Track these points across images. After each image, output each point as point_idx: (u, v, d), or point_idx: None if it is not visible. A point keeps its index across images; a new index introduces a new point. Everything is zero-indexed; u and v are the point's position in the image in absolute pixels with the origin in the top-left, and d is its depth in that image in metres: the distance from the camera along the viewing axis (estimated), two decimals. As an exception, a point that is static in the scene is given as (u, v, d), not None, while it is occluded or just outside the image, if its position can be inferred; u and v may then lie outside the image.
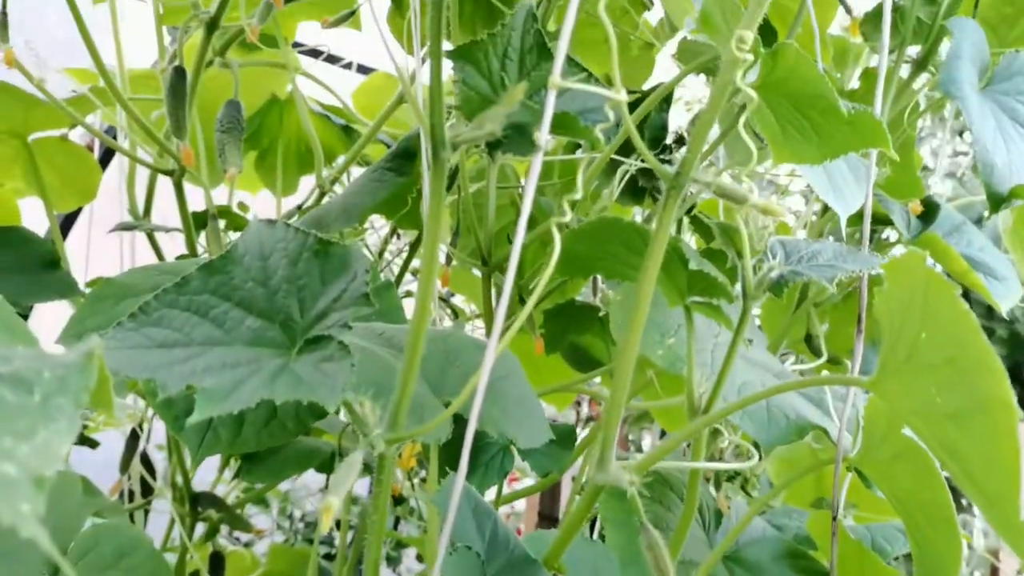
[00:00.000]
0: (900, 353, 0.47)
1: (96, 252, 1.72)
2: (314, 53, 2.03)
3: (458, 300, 1.77)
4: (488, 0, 1.16)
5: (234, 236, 1.33)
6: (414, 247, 1.21)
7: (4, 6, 0.96)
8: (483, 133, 0.50)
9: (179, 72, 1.04)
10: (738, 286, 0.58)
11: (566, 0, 1.10)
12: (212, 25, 1.07)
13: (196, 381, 0.47)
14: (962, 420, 0.43)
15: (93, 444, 1.44)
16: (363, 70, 1.90)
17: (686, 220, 1.29)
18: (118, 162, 1.57)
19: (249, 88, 1.43)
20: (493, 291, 1.17)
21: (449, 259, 1.13)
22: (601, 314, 1.31)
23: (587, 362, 1.49)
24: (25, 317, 0.98)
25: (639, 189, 1.28)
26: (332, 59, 2.21)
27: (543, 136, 0.48)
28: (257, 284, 0.53)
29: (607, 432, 0.54)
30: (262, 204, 1.70)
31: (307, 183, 1.70)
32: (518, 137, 0.50)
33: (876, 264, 0.58)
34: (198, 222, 1.28)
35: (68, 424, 0.31)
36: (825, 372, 0.83)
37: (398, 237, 1.39)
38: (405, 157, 1.08)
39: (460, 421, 0.65)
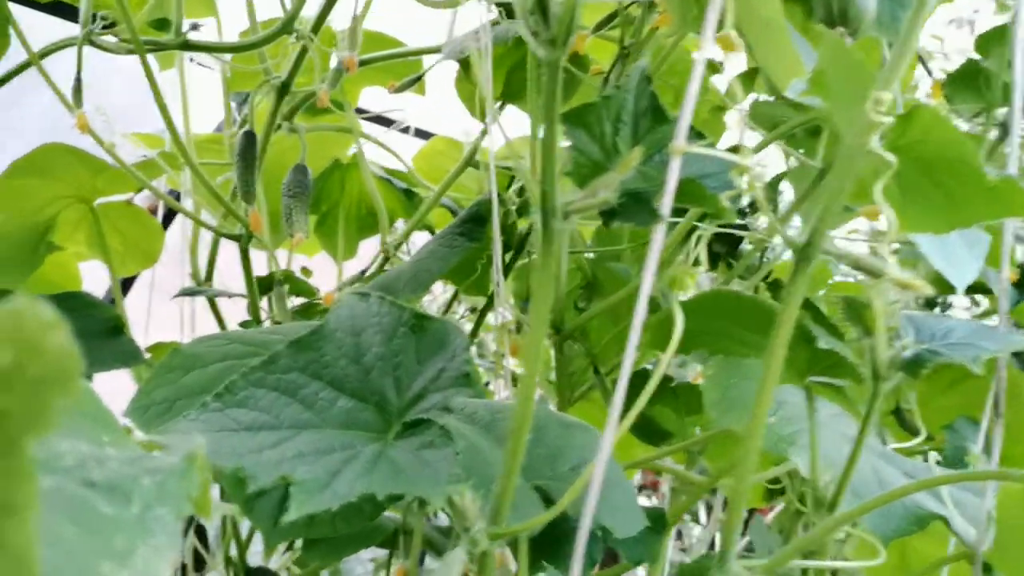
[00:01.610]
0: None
1: (155, 315, 1.70)
2: (374, 118, 2.04)
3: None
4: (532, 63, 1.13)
5: (296, 302, 1.31)
6: (482, 313, 1.17)
7: (78, 71, 0.96)
8: (597, 201, 0.46)
9: (249, 137, 1.03)
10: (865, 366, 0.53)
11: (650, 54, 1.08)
12: (283, 90, 1.06)
13: (288, 470, 0.43)
14: None
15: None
16: (421, 134, 1.90)
17: (763, 286, 1.23)
18: (179, 225, 1.56)
19: (310, 152, 1.43)
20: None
21: (519, 327, 1.09)
22: (673, 384, 1.26)
23: (655, 433, 1.42)
24: (87, 385, 0.95)
25: (713, 255, 1.24)
26: (389, 123, 2.21)
27: (667, 205, 0.44)
28: (350, 362, 0.49)
29: (729, 530, 0.49)
30: (320, 267, 1.68)
31: (365, 247, 1.68)
32: (635, 206, 0.46)
33: (1020, 343, 0.53)
34: (261, 286, 1.26)
35: (168, 539, 0.27)
36: (932, 454, 0.77)
37: (459, 302, 1.36)
38: (476, 222, 1.06)
39: (548, 503, 0.60)
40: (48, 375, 0.20)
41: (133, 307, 2.05)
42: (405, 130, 1.97)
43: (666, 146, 0.46)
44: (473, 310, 1.48)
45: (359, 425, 0.47)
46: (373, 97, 1.76)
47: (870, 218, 0.52)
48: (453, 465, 0.44)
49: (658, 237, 0.45)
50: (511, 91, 1.25)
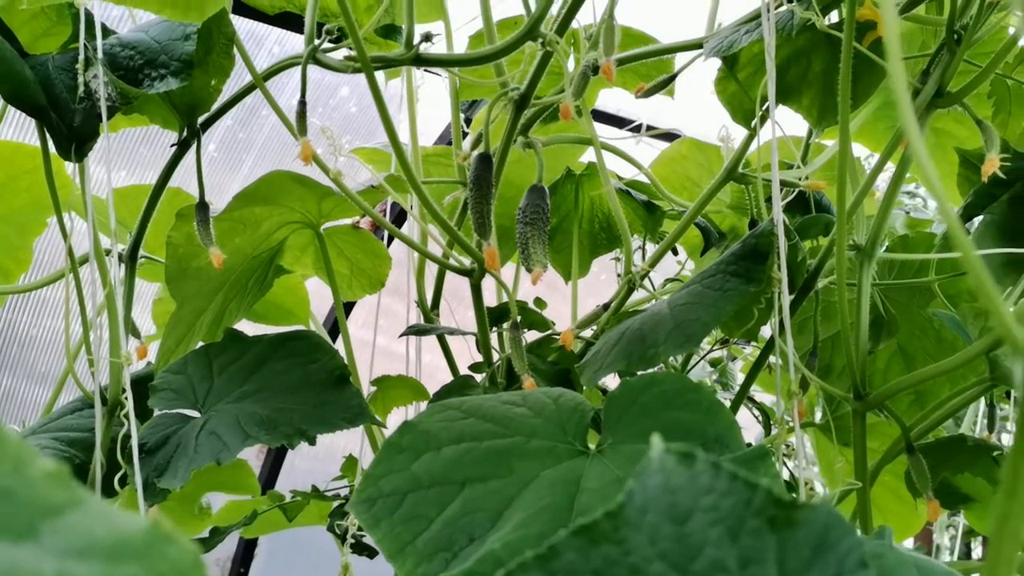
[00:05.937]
0: None
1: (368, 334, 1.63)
2: (599, 116, 1.87)
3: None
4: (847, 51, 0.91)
5: (529, 335, 1.17)
6: (756, 366, 0.97)
7: (303, 94, 0.86)
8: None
9: (484, 161, 0.89)
10: None
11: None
12: (523, 103, 0.91)
13: None
14: None
15: (372, 553, 1.32)
16: (660, 137, 1.70)
17: None
18: (401, 244, 1.48)
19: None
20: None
21: (804, 384, 0.88)
22: (997, 453, 1.01)
23: (953, 498, 1.19)
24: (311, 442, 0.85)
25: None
26: (619, 123, 2.04)
27: None
28: (670, 567, 0.32)
29: None
30: (542, 290, 1.54)
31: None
32: None
33: None
34: (491, 317, 1.14)
35: None
36: None
37: (722, 343, 1.16)
38: (753, 258, 0.86)
39: None
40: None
41: (352, 325, 1.99)
42: (636, 129, 1.78)
43: None
44: (722, 342, 1.28)
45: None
46: (602, 96, 1.60)
47: None
48: None
49: None
50: (785, 88, 1.03)
